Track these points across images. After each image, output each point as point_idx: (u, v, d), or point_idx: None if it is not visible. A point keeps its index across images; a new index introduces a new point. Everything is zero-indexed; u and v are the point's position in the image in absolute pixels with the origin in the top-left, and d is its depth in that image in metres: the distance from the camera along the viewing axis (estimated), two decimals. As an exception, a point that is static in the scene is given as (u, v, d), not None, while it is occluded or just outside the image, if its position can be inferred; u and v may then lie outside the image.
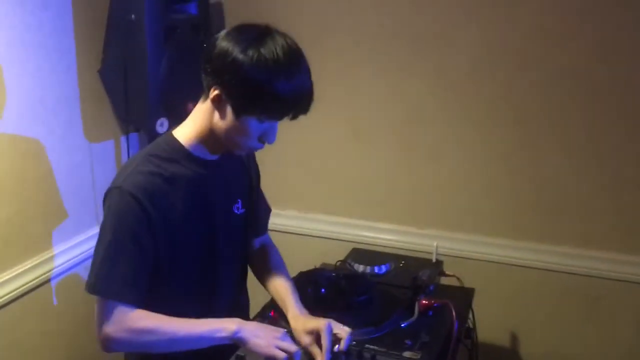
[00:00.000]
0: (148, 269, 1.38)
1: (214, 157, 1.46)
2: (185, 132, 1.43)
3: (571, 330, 2.29)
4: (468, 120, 2.26)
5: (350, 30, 2.33)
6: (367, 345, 1.48)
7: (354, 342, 1.48)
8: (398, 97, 2.32)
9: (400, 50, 2.28)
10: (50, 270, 2.14)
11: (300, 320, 1.48)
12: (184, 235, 1.41)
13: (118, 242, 1.34)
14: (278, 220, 2.59)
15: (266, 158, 2.54)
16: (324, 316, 1.47)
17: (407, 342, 1.51)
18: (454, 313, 1.54)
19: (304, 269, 1.86)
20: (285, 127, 2.44)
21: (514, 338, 2.38)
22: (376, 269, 1.95)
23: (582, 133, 2.15)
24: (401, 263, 2.03)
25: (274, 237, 2.57)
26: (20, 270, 2.03)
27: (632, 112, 2.08)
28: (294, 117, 1.39)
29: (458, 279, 2.00)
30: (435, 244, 2.04)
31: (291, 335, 1.44)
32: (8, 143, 1.96)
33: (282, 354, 1.36)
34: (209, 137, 1.41)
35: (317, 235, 2.53)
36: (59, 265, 2.16)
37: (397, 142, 2.37)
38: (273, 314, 1.63)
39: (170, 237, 1.39)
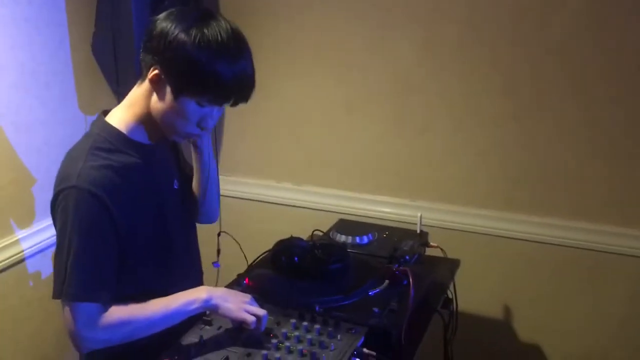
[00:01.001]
0: (115, 264, 1.37)
1: (153, 142, 1.45)
2: (122, 118, 1.41)
3: (563, 304, 2.27)
4: (458, 91, 2.23)
5: (338, 3, 2.30)
6: (334, 312, 1.50)
7: (322, 310, 1.50)
8: (388, 69, 2.30)
9: (390, 22, 2.26)
10: (46, 239, 2.21)
11: None
12: (140, 222, 1.41)
13: (83, 243, 1.31)
14: (273, 192, 2.62)
15: (260, 132, 2.58)
16: (298, 285, 1.50)
17: (375, 309, 1.51)
18: (411, 280, 1.54)
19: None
20: (279, 102, 2.47)
21: (503, 310, 2.36)
22: (357, 239, 1.95)
23: (573, 102, 2.10)
24: (385, 234, 2.03)
25: (270, 209, 2.63)
26: (16, 237, 2.10)
27: (622, 80, 2.02)
28: (234, 104, 1.37)
29: (442, 250, 1.99)
30: (419, 214, 2.02)
31: (258, 300, 1.47)
32: (1, 114, 2.01)
33: (252, 318, 1.38)
34: (147, 121, 1.40)
35: (310, 207, 2.55)
36: (49, 238, 2.21)
37: (388, 114, 2.35)
38: (247, 282, 1.65)
39: (129, 227, 1.37)
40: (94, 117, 2.32)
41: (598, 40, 2.02)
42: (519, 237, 2.27)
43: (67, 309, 1.33)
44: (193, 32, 1.27)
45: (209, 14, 1.32)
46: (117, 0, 2.10)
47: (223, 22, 1.31)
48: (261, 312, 1.41)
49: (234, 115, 2.61)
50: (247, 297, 1.46)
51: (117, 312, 1.36)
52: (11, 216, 2.10)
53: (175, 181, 1.55)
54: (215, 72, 1.28)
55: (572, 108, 2.11)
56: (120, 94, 2.35)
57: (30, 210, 2.17)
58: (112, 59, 2.21)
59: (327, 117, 2.45)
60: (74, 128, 2.30)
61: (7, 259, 2.08)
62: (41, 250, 2.20)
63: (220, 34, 1.28)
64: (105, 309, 1.35)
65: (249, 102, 1.38)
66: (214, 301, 1.40)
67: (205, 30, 1.27)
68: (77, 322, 1.32)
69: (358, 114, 2.39)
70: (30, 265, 2.18)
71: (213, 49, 1.27)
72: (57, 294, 1.34)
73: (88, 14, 2.24)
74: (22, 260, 2.14)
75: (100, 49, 2.25)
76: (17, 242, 2.11)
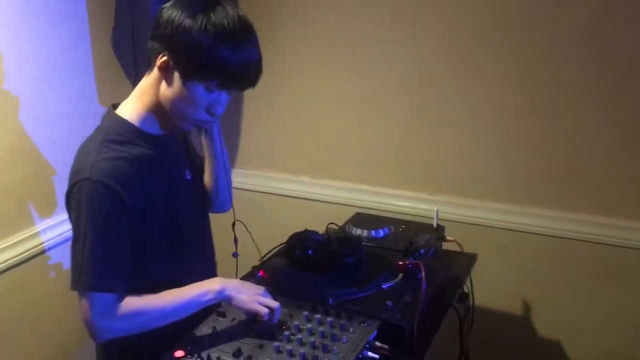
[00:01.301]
0: (130, 254, 1.39)
1: (164, 133, 1.47)
2: (132, 109, 1.42)
3: (582, 299, 2.24)
4: (477, 83, 2.20)
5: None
6: (347, 306, 1.50)
7: (335, 302, 1.50)
8: (407, 61, 2.29)
9: (407, 15, 2.24)
10: (66, 231, 2.24)
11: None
12: (153, 212, 1.42)
13: (99, 234, 1.33)
14: (291, 185, 2.63)
15: (278, 125, 2.58)
16: (311, 278, 1.50)
17: (388, 303, 1.51)
18: (423, 273, 1.53)
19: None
20: (297, 95, 2.47)
21: (520, 305, 2.34)
22: (373, 233, 1.95)
23: (594, 96, 2.06)
24: (401, 228, 2.02)
25: (287, 202, 2.63)
26: (37, 229, 2.14)
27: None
28: (242, 89, 1.39)
29: (459, 244, 1.98)
30: (436, 208, 2.01)
31: (271, 292, 1.47)
32: (21, 108, 2.04)
33: (265, 310, 1.39)
34: (157, 111, 1.41)
35: (327, 200, 2.54)
36: (69, 229, 2.23)
37: (406, 107, 2.34)
38: (262, 274, 1.66)
39: (142, 218, 1.39)
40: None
41: (620, 31, 1.98)
42: (537, 231, 2.24)
43: (83, 299, 1.35)
44: (199, 17, 1.29)
45: (216, 1, 1.33)
46: (134, -6, 2.12)
47: (229, 8, 1.33)
48: (274, 304, 1.41)
49: (252, 109, 2.62)
50: (261, 289, 1.47)
51: (132, 303, 1.38)
52: (32, 208, 2.13)
53: (187, 172, 1.56)
54: (222, 57, 1.30)
55: (593, 101, 2.07)
56: (140, 77, 2.37)
57: (51, 203, 2.20)
58: (131, 52, 2.23)
59: (344, 110, 2.44)
60: (93, 121, 2.26)
61: (29, 250, 2.11)
62: (62, 242, 2.23)
63: (227, 19, 1.30)
64: (121, 299, 1.37)
65: (257, 87, 1.40)
66: (227, 292, 1.41)
67: (212, 16, 1.30)
68: (93, 311, 1.34)
69: (376, 107, 2.38)
70: (52, 257, 2.22)
71: (219, 33, 1.29)
72: (74, 285, 1.36)
73: (108, 8, 2.26)
74: (43, 252, 2.18)
75: (119, 42, 2.27)
76: (37, 234, 2.15)
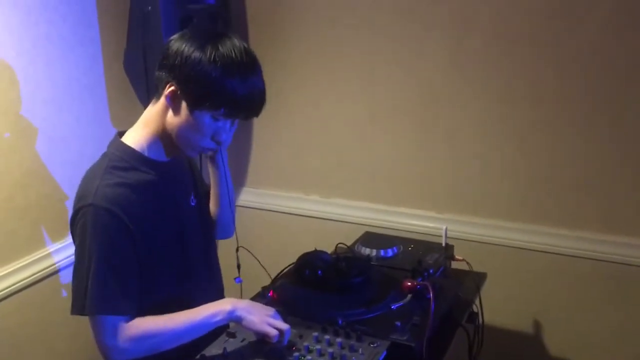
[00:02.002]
0: (136, 277, 1.41)
1: (168, 159, 1.49)
2: (138, 136, 1.46)
3: (591, 317, 2.23)
4: (483, 102, 2.22)
5: (365, 12, 2.32)
6: (356, 326, 1.51)
7: (344, 323, 1.51)
8: (413, 80, 2.31)
9: (414, 33, 2.27)
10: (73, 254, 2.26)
11: None
12: (158, 238, 1.45)
13: (103, 257, 1.35)
14: (301, 204, 2.65)
15: (287, 145, 2.61)
16: (321, 298, 1.53)
17: (397, 323, 1.51)
18: (432, 294, 1.54)
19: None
20: (306, 115, 2.50)
21: (530, 324, 2.33)
22: (382, 253, 1.96)
23: (601, 113, 2.07)
24: (410, 247, 2.03)
25: (298, 222, 2.65)
26: (49, 251, 2.17)
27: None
28: (247, 118, 1.44)
29: (467, 263, 1.98)
30: (444, 227, 2.02)
31: (281, 314, 1.49)
32: (36, 130, 2.08)
33: (275, 331, 1.41)
34: (163, 138, 1.45)
35: (337, 219, 2.56)
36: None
37: (413, 125, 2.36)
38: (272, 294, 1.67)
39: (147, 243, 1.41)
40: None
41: (625, 47, 1.99)
42: (546, 249, 2.24)
43: (93, 322, 1.38)
44: (208, 49, 1.34)
45: (222, 33, 1.40)
46: (147, 17, 2.16)
47: (236, 40, 1.38)
48: (284, 326, 1.43)
49: (261, 128, 2.65)
50: (271, 310, 1.48)
51: (143, 324, 1.39)
52: (46, 229, 2.16)
53: (192, 198, 1.58)
54: (230, 87, 1.34)
55: (600, 118, 2.08)
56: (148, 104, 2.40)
57: (63, 224, 2.20)
58: (143, 74, 2.26)
59: (353, 129, 2.47)
60: (106, 142, 2.34)
61: (41, 270, 2.14)
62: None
63: (234, 51, 1.35)
64: (130, 321, 1.38)
65: (267, 107, 1.44)
66: (237, 313, 1.43)
67: (220, 48, 1.35)
68: (103, 334, 1.37)
69: (384, 126, 2.40)
70: (63, 277, 2.24)
71: (227, 64, 1.34)
72: (77, 309, 1.38)
73: (120, 31, 2.31)
74: (55, 272, 2.21)
75: (131, 65, 2.31)
76: (50, 255, 2.18)
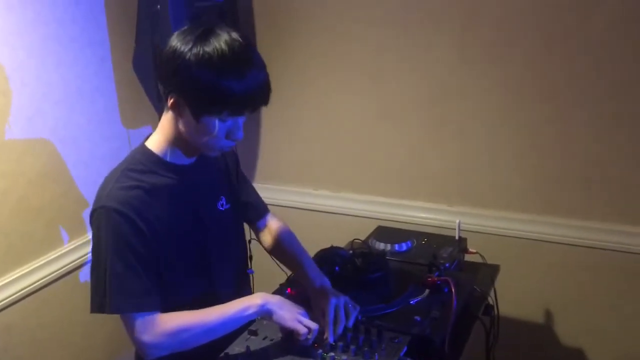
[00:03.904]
0: (155, 275, 1.41)
1: (191, 161, 1.49)
2: (157, 141, 1.45)
3: (606, 307, 2.24)
4: (494, 95, 2.23)
5: (374, 8, 2.32)
6: (376, 321, 1.52)
7: (364, 319, 1.52)
8: (422, 74, 2.31)
9: (424, 29, 2.27)
10: (89, 253, 2.27)
11: (315, 297, 1.54)
12: (174, 243, 1.45)
13: (118, 257, 1.35)
14: (312, 199, 2.66)
15: (298, 140, 2.61)
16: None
17: (417, 318, 1.53)
18: (453, 289, 1.56)
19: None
20: (317, 110, 2.51)
21: (545, 315, 2.35)
22: (396, 247, 1.97)
23: (610, 105, 2.08)
24: (424, 240, 2.04)
25: (308, 216, 2.66)
26: (64, 250, 2.19)
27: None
28: (254, 110, 1.39)
29: (481, 255, 2.00)
30: (457, 220, 2.03)
31: (309, 312, 1.50)
32: (48, 131, 2.09)
33: (305, 329, 1.42)
34: (180, 142, 1.44)
35: (349, 213, 2.57)
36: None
37: (423, 120, 2.36)
38: (290, 291, 1.69)
39: (161, 245, 1.41)
40: (135, 132, 2.45)
41: (635, 40, 1.99)
42: (559, 240, 2.25)
43: (123, 321, 1.39)
44: (194, 51, 1.28)
45: (209, 30, 1.31)
46: (156, 17, 2.16)
47: (223, 33, 1.30)
48: (313, 325, 1.44)
49: (271, 124, 2.65)
50: (301, 308, 1.49)
51: (177, 319, 1.40)
52: (61, 228, 2.18)
53: (224, 201, 1.58)
54: (227, 88, 1.29)
55: (610, 109, 2.08)
56: (160, 109, 2.41)
57: (79, 223, 2.25)
58: (152, 74, 2.27)
59: (364, 124, 2.47)
60: (117, 142, 2.38)
61: (59, 269, 2.16)
62: (90, 261, 2.27)
63: (221, 48, 1.28)
64: (157, 316, 1.39)
65: (276, 102, 1.42)
66: (269, 307, 1.44)
67: (206, 47, 1.28)
68: (135, 331, 1.37)
69: (395, 120, 2.41)
70: (80, 275, 2.26)
71: (216, 64, 1.27)
72: (96, 308, 1.39)
73: (129, 31, 2.31)
74: (72, 271, 2.22)
75: (140, 64, 2.31)
76: (66, 253, 2.19)
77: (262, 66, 1.35)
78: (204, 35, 1.30)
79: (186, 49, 1.29)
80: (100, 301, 1.37)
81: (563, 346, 2.36)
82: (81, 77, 2.20)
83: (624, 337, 2.24)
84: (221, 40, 1.29)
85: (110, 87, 2.34)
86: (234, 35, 1.32)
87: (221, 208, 1.57)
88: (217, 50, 1.27)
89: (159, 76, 1.39)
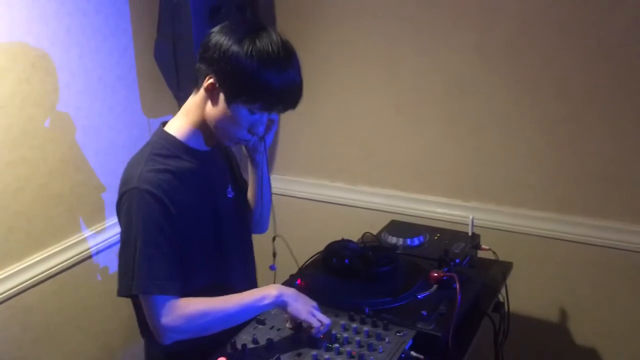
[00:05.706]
0: (180, 259, 1.44)
1: (208, 149, 1.54)
2: (179, 126, 1.50)
3: (618, 307, 2.23)
4: (510, 91, 2.22)
5: (391, 3, 2.33)
6: (383, 315, 1.54)
7: (371, 312, 1.54)
8: (439, 69, 2.31)
9: (441, 24, 2.26)
10: (112, 237, 2.33)
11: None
12: (196, 226, 1.48)
13: (148, 239, 1.39)
14: (327, 191, 2.68)
15: (315, 132, 2.63)
16: (348, 286, 1.57)
17: (423, 312, 1.54)
18: (457, 285, 1.56)
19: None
20: (334, 104, 2.52)
21: (556, 314, 2.34)
22: (408, 241, 1.98)
23: (628, 103, 2.06)
24: (436, 236, 2.05)
25: (324, 208, 2.68)
26: (83, 236, 2.24)
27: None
28: (283, 111, 1.46)
29: (494, 252, 2.00)
30: (471, 216, 2.03)
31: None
32: (70, 119, 2.14)
33: (318, 323, 1.45)
34: (202, 128, 1.48)
35: (363, 206, 2.59)
36: (114, 235, 2.33)
37: (439, 115, 2.36)
38: (299, 282, 1.71)
39: (186, 229, 1.45)
40: (155, 121, 2.49)
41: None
42: (573, 239, 2.24)
43: (145, 303, 1.41)
44: (245, 43, 1.36)
45: (261, 26, 1.41)
46: (176, 8, 2.19)
47: (273, 34, 1.40)
48: (326, 320, 1.47)
49: (290, 117, 2.65)
50: (314, 302, 1.51)
51: (195, 304, 1.43)
52: (80, 215, 2.23)
53: (230, 189, 1.61)
54: (265, 81, 1.36)
55: (627, 109, 2.06)
56: (180, 98, 2.44)
57: (98, 210, 2.30)
58: (173, 64, 2.30)
59: (380, 118, 2.48)
60: (137, 131, 2.42)
61: (77, 255, 2.21)
62: (107, 247, 2.33)
63: (271, 45, 1.37)
64: (179, 301, 1.41)
65: (298, 107, 1.46)
66: (284, 298, 1.46)
67: (257, 42, 1.37)
68: (155, 313, 1.39)
69: (411, 115, 2.41)
70: (98, 261, 2.31)
71: (264, 59, 1.36)
72: (124, 290, 1.42)
73: (151, 21, 2.34)
74: (90, 256, 2.28)
75: (161, 55, 2.34)
76: (85, 239, 2.25)
77: (299, 71, 1.44)
78: (257, 30, 1.39)
79: (237, 39, 1.37)
80: (128, 283, 1.40)
81: (574, 345, 2.35)
82: (103, 66, 2.24)
83: (636, 337, 2.22)
84: (271, 39, 1.38)
85: (132, 76, 2.38)
86: (284, 38, 1.42)
87: (229, 195, 1.61)
88: (267, 46, 1.36)
89: (201, 59, 1.43)
